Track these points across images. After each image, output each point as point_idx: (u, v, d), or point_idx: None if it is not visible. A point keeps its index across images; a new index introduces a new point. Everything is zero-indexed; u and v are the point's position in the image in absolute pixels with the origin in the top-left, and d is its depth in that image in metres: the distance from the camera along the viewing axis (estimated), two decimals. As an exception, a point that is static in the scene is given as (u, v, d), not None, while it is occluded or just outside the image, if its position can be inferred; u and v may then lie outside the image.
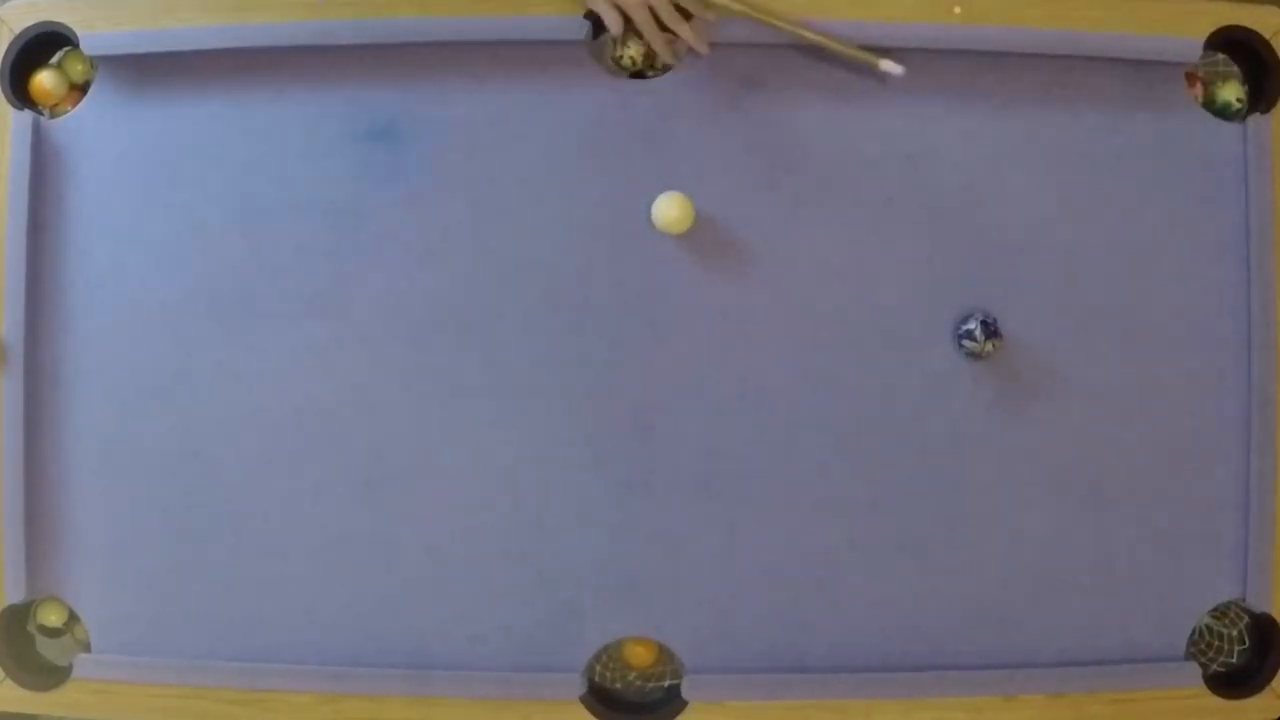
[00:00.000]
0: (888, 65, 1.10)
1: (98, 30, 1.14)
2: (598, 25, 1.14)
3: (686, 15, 1.11)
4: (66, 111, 1.17)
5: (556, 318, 1.14)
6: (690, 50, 1.12)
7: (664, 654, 1.15)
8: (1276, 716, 1.13)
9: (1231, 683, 1.13)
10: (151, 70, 1.15)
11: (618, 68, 1.16)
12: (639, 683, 1.16)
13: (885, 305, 1.14)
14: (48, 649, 1.17)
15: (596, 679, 1.15)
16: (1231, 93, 1.17)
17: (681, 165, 1.14)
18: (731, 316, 1.14)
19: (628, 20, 1.12)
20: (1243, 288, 1.14)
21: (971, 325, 1.11)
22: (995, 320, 1.11)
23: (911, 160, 1.14)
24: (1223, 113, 1.16)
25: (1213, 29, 1.14)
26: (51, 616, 1.16)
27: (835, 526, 1.13)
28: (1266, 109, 1.15)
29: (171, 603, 1.14)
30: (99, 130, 1.16)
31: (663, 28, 1.11)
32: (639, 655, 1.15)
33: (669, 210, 1.11)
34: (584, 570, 1.14)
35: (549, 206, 1.14)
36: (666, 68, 1.16)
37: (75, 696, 1.13)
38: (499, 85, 1.14)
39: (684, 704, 1.11)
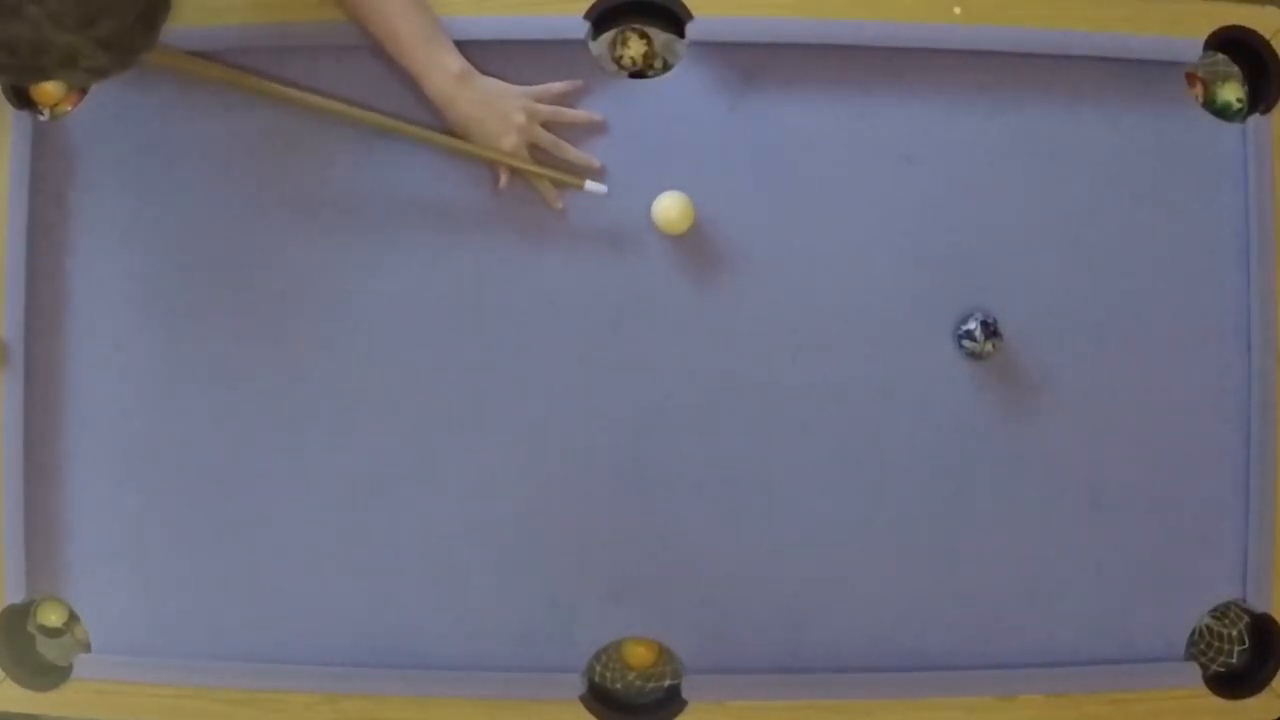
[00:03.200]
0: (592, 186, 1.10)
1: (98, 30, 1.14)
2: (598, 25, 1.14)
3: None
4: (66, 111, 1.17)
5: (556, 317, 1.14)
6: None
7: (664, 654, 1.15)
8: (1276, 717, 1.13)
9: (1231, 683, 1.13)
10: (151, 70, 1.15)
11: (618, 68, 1.17)
12: (639, 683, 1.16)
13: (885, 305, 1.14)
14: (48, 649, 1.17)
15: (596, 679, 1.15)
16: (1231, 93, 1.17)
17: (681, 165, 1.14)
18: (731, 316, 1.14)
19: (627, 19, 1.12)
20: (1243, 288, 1.14)
21: (971, 325, 1.11)
22: (995, 320, 1.11)
23: (910, 160, 1.14)
24: (1223, 113, 1.16)
25: (1213, 29, 1.14)
26: (51, 616, 1.16)
27: (835, 527, 1.13)
28: (1266, 109, 1.15)
29: (171, 603, 1.14)
30: (99, 130, 1.16)
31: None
32: (639, 655, 1.15)
33: (669, 210, 1.11)
34: (584, 570, 1.14)
35: (547, 204, 1.14)
36: (667, 67, 1.16)
37: (75, 696, 1.13)
38: (499, 85, 1.14)
39: (684, 704, 1.11)
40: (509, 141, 1.09)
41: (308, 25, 1.13)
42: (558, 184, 1.12)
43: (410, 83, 1.10)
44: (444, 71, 1.08)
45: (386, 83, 1.13)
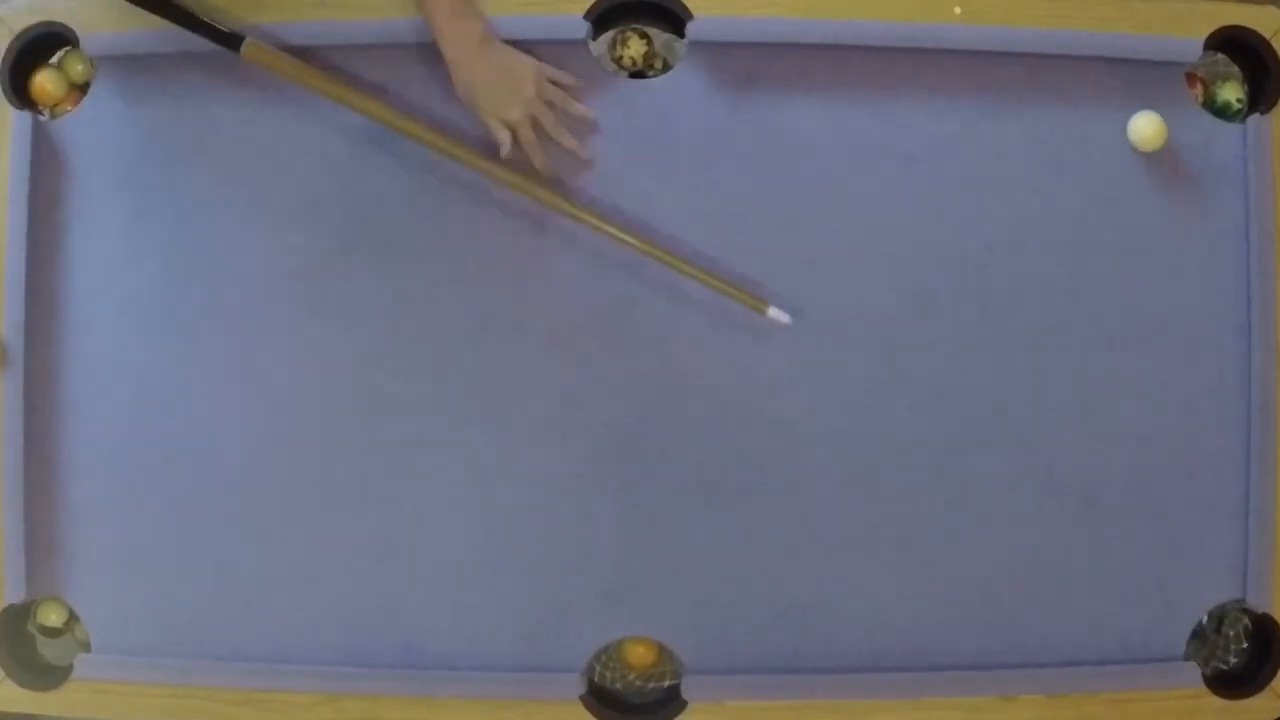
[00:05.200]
0: (775, 313, 1.11)
1: (98, 30, 1.15)
2: (598, 25, 1.14)
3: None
4: (66, 111, 1.17)
5: (556, 317, 1.14)
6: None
7: (664, 654, 1.15)
8: (1276, 717, 1.13)
9: (1231, 683, 1.13)
10: (151, 70, 1.15)
11: (618, 68, 1.17)
12: (639, 683, 1.16)
13: (884, 305, 1.14)
14: (48, 649, 1.17)
15: (596, 679, 1.15)
16: (1231, 93, 1.17)
17: (681, 165, 1.14)
18: (731, 316, 1.14)
19: (627, 19, 1.12)
20: (1243, 288, 1.14)
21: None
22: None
23: (911, 160, 1.14)
24: (1223, 113, 1.16)
25: (1213, 29, 1.14)
26: (51, 616, 1.16)
27: (835, 527, 1.13)
28: (1266, 109, 1.15)
29: (171, 603, 1.14)
30: (99, 130, 1.16)
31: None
32: (639, 655, 1.15)
33: (1144, 129, 1.11)
34: (584, 570, 1.14)
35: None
36: (667, 67, 1.16)
37: (75, 696, 1.13)
38: (499, 85, 1.14)
39: (684, 704, 1.11)
40: (515, 111, 1.09)
41: (307, 25, 1.13)
42: (738, 300, 1.11)
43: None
44: (467, 31, 1.08)
45: (383, 82, 1.13)
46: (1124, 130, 1.14)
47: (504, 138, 1.11)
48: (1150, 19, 1.14)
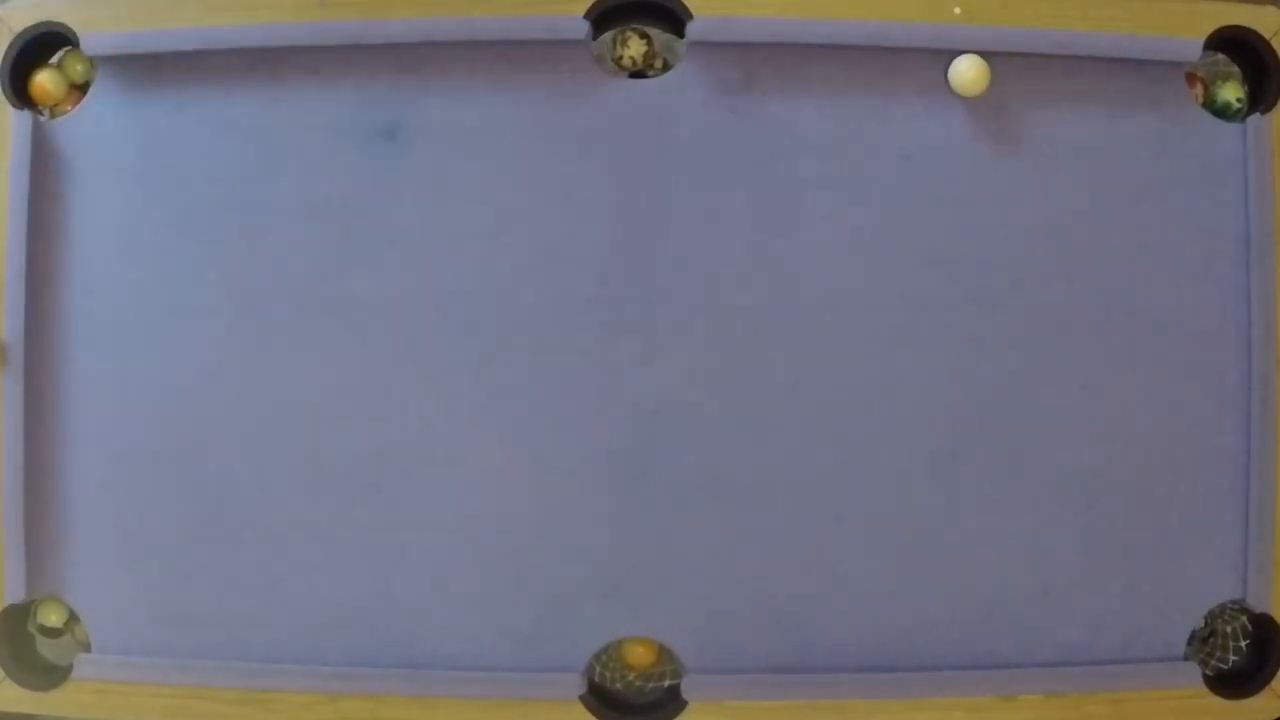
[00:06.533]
0: None
1: (98, 30, 1.14)
2: (598, 25, 1.14)
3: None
4: (66, 111, 1.17)
5: (557, 317, 1.14)
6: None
7: (664, 654, 1.15)
8: (1276, 717, 1.13)
9: (1231, 683, 1.13)
10: (151, 70, 1.15)
11: (618, 68, 1.17)
12: (639, 683, 1.16)
13: (884, 305, 1.14)
14: (48, 649, 1.17)
15: (596, 679, 1.15)
16: (1231, 93, 1.17)
17: (681, 165, 1.14)
18: (731, 316, 1.14)
19: (627, 19, 1.12)
20: (1243, 288, 1.14)
21: None
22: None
23: (910, 160, 1.14)
24: (1223, 113, 1.16)
25: (1213, 29, 1.14)
26: (51, 616, 1.16)
27: (835, 527, 1.13)
28: (1266, 109, 1.15)
29: (171, 603, 1.14)
30: (99, 130, 1.16)
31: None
32: (639, 655, 1.15)
33: (967, 71, 1.11)
34: (584, 570, 1.14)
35: (549, 205, 1.14)
36: (667, 67, 1.16)
37: (75, 696, 1.13)
38: (499, 85, 1.14)
39: (684, 704, 1.11)
40: None
41: (308, 26, 1.13)
42: None
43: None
44: None
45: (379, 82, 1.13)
46: (1124, 129, 1.14)
47: None
48: (1150, 19, 1.14)
